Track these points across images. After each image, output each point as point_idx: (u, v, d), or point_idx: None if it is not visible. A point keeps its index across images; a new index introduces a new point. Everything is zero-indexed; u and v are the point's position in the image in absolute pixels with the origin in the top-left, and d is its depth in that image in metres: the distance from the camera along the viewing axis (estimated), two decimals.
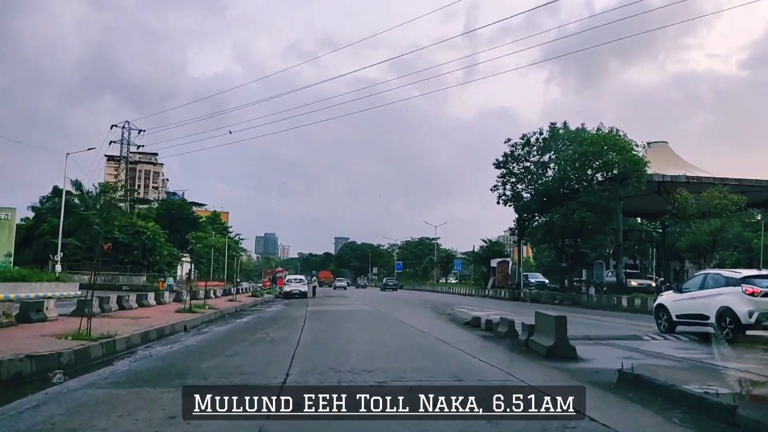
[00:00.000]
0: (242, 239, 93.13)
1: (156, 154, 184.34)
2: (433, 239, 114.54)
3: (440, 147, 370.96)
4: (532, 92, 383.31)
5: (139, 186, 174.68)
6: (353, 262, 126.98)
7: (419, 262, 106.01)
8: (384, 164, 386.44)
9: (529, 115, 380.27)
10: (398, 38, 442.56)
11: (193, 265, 64.29)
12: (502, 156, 39.36)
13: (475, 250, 72.06)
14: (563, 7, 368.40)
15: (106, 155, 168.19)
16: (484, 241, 66.72)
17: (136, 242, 49.92)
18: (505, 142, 39.36)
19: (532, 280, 44.51)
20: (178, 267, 62.75)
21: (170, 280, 46.13)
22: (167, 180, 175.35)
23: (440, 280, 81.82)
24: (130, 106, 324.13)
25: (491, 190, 40.09)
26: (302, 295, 37.67)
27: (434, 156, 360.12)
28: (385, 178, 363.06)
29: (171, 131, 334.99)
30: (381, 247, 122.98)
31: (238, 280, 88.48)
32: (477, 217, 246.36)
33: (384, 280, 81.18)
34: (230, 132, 78.00)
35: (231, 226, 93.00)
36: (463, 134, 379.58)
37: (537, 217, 39.84)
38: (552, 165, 37.02)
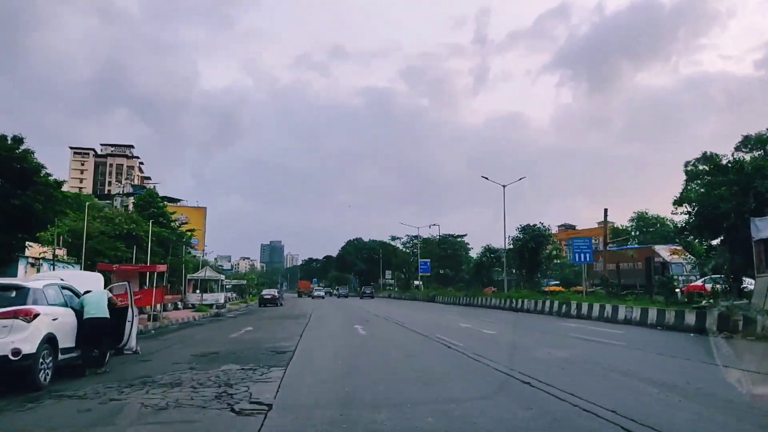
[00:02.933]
0: (192, 232, 63.20)
1: (131, 146, 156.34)
2: (459, 237, 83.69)
3: (452, 155, 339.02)
4: (543, 97, 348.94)
5: (109, 182, 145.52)
6: (359, 264, 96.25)
7: (450, 264, 75.27)
8: (394, 172, 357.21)
9: (540, 120, 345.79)
10: (408, 46, 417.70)
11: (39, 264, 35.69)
12: None
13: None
14: (574, 10, 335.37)
15: (71, 147, 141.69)
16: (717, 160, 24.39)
17: None
18: None
19: None
20: (20, 266, 33.42)
21: None
22: (148, 179, 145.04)
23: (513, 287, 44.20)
24: (141, 119, 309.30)
25: None
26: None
27: (446, 164, 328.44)
28: (395, 186, 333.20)
29: (182, 142, 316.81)
30: (396, 240, 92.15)
31: (198, 291, 59.20)
32: (487, 228, 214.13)
33: (362, 288, 76.70)
34: None
35: (173, 213, 62.29)
36: (473, 142, 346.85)
37: None
38: None
